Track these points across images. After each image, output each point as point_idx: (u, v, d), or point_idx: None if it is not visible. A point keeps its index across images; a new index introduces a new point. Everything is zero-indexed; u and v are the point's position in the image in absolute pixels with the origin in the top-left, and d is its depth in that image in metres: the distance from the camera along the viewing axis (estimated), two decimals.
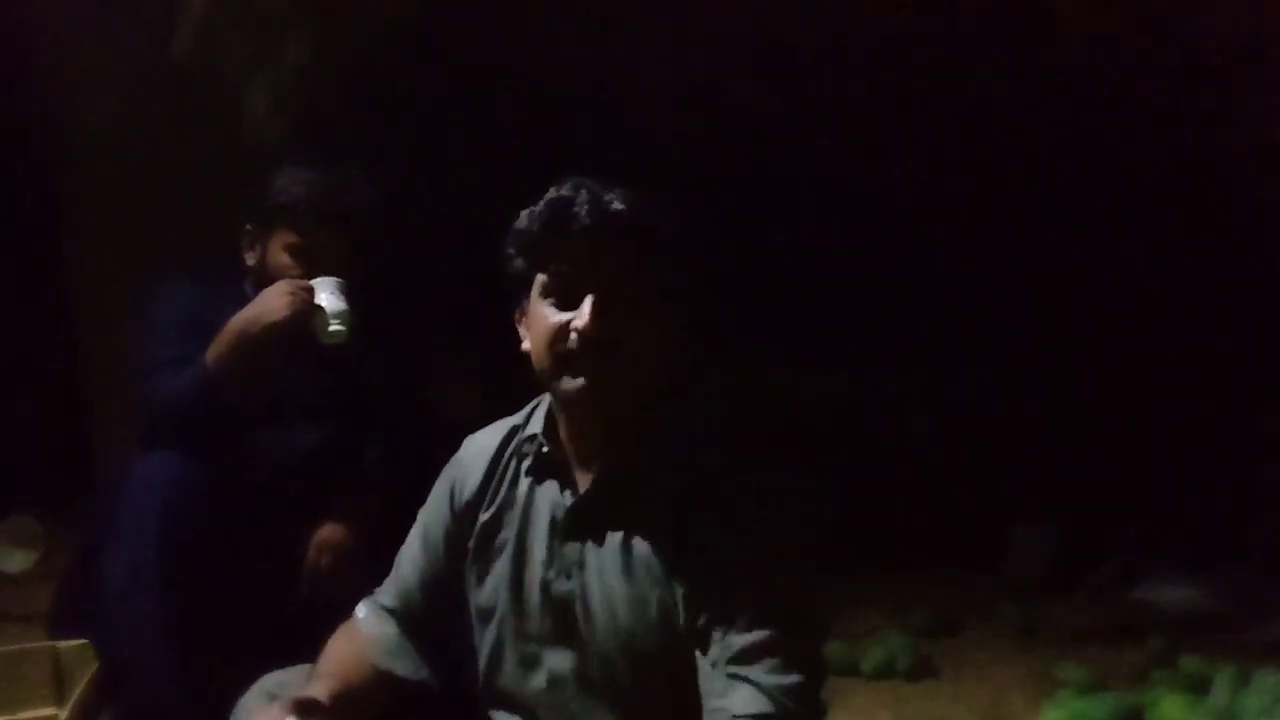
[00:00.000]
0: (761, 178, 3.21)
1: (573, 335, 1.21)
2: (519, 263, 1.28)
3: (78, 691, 1.77)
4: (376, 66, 2.66)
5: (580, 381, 1.22)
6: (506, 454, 1.37)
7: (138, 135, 2.63)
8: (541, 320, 1.24)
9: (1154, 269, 3.22)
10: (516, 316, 1.32)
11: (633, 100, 2.97)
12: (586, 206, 1.21)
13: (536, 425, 1.35)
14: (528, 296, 1.28)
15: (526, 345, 1.30)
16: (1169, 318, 3.23)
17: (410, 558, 1.43)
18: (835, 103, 3.07)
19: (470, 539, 1.36)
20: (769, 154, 3.19)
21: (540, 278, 1.25)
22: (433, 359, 2.53)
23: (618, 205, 1.22)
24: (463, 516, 1.37)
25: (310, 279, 1.89)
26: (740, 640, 1.15)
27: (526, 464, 1.34)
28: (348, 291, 1.88)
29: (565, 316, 1.22)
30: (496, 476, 1.37)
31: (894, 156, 3.17)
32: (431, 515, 1.42)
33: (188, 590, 1.78)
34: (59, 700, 1.77)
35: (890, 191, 3.25)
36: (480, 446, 1.40)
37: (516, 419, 1.41)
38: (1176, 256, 3.15)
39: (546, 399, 1.35)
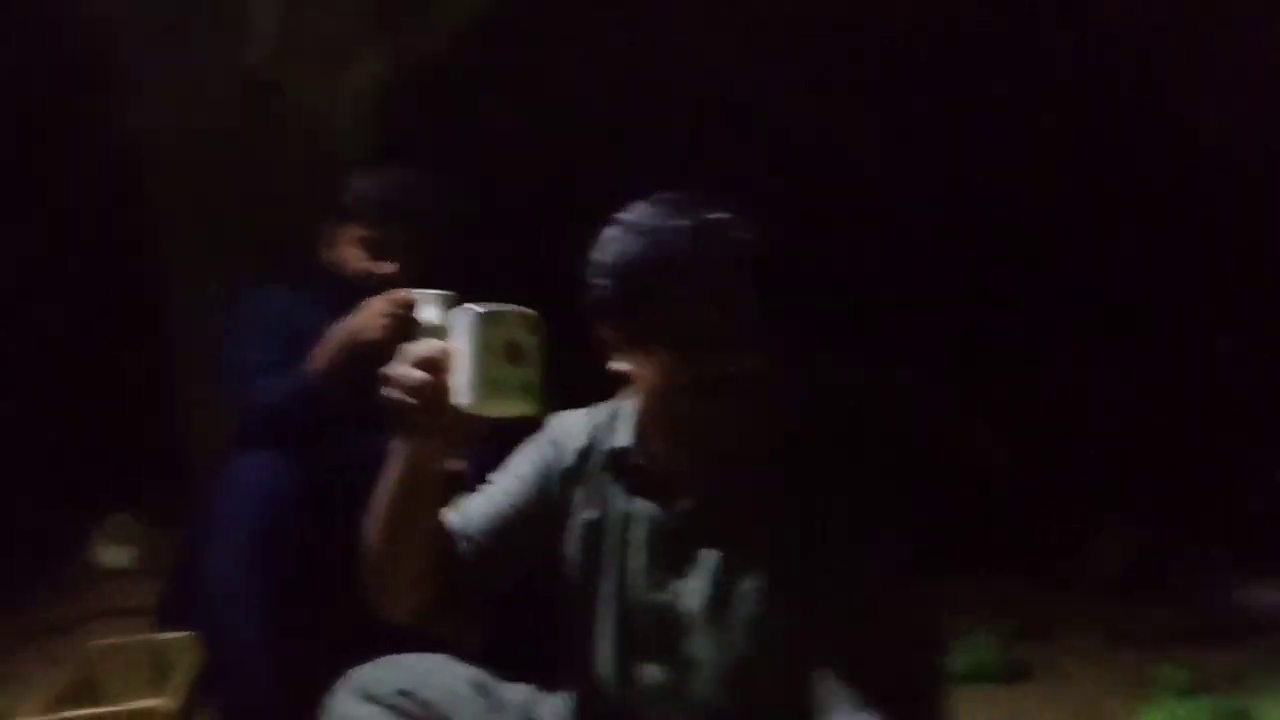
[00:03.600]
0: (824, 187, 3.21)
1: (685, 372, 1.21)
2: (617, 293, 1.23)
3: (182, 682, 1.82)
4: (447, 76, 2.71)
5: (693, 416, 1.23)
6: (594, 453, 1.37)
7: (223, 145, 2.71)
8: (650, 353, 1.23)
9: (1244, 271, 3.14)
10: (605, 336, 1.28)
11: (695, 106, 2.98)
12: (707, 243, 1.20)
13: (624, 437, 1.34)
14: (620, 324, 1.25)
15: (619, 366, 1.27)
16: (1262, 319, 3.15)
17: (493, 497, 1.38)
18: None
19: (565, 520, 1.35)
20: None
21: (651, 318, 1.22)
22: None
23: (721, 246, 1.20)
24: (561, 490, 1.36)
25: (381, 274, 1.96)
26: (853, 671, 1.15)
27: (617, 474, 1.34)
28: (449, 303, 1.92)
29: (676, 352, 1.21)
30: (589, 473, 1.36)
31: (982, 166, 3.14)
32: (528, 467, 1.38)
33: (284, 586, 1.84)
34: (163, 691, 1.82)
35: (970, 196, 3.23)
36: (570, 430, 1.39)
37: (598, 416, 1.40)
38: (1267, 258, 3.07)
39: (628, 406, 1.34)
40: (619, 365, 1.27)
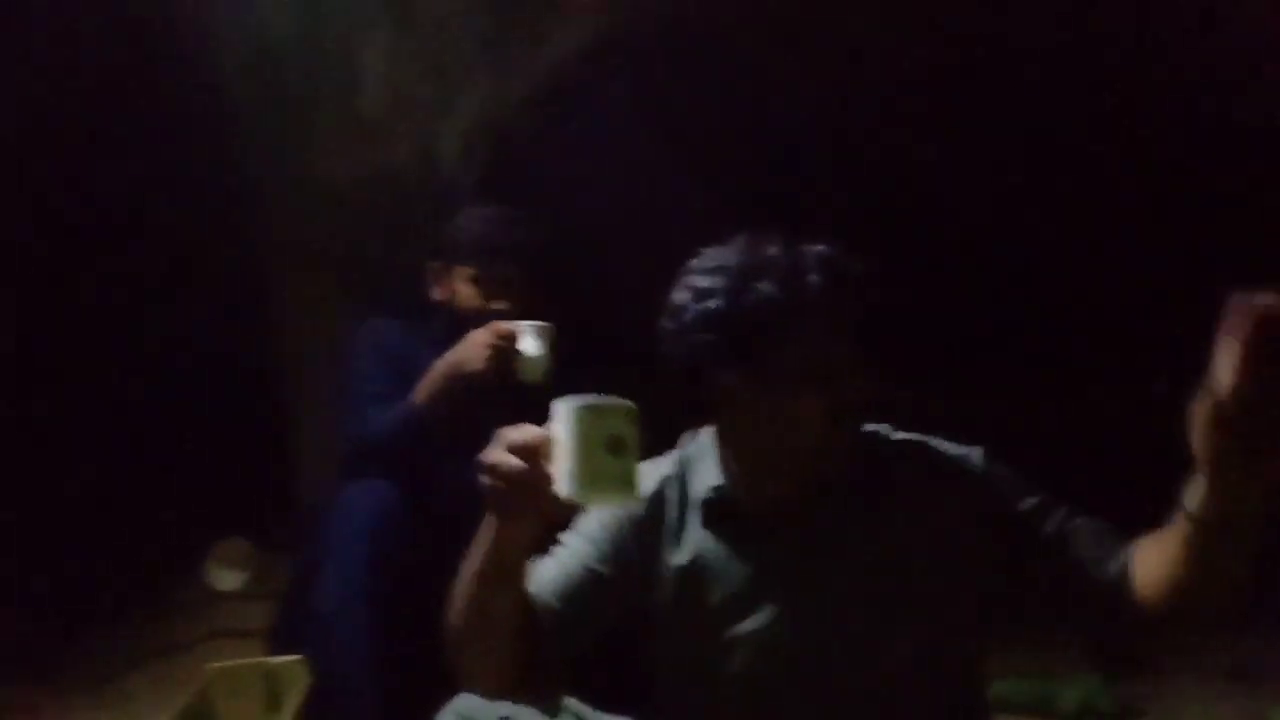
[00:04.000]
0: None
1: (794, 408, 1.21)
2: (725, 335, 1.23)
3: (293, 705, 1.88)
4: (552, 112, 2.77)
5: (796, 450, 1.23)
6: (671, 498, 1.36)
7: (338, 186, 2.82)
8: (752, 389, 1.23)
9: None
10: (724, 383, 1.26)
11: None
12: (819, 279, 1.20)
13: (712, 476, 1.34)
14: (724, 363, 1.24)
15: (703, 400, 1.27)
16: None
17: (565, 562, 1.36)
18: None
19: (649, 570, 1.35)
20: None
21: (765, 358, 1.22)
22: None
23: (820, 293, 1.20)
24: (638, 542, 1.35)
25: (493, 311, 2.00)
26: None
27: (707, 515, 1.33)
28: (546, 334, 1.97)
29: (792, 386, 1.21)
30: (670, 519, 1.36)
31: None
32: (596, 526, 1.37)
33: (390, 614, 1.89)
34: (276, 713, 1.88)
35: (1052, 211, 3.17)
36: (647, 481, 1.36)
37: (665, 464, 1.39)
38: None
39: (705, 447, 1.35)
40: (708, 401, 1.27)
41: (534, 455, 1.11)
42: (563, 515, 1.19)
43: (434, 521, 1.95)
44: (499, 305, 2.04)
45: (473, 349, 1.93)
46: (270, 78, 2.76)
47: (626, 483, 1.11)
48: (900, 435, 1.35)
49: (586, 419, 1.10)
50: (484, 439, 2.04)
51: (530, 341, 1.95)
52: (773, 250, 1.23)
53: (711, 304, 1.23)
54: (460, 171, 2.65)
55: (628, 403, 1.13)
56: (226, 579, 3.01)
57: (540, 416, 2.21)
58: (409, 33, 2.69)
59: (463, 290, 2.09)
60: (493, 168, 2.66)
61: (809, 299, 1.19)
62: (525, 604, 1.28)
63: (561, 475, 1.11)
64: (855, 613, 1.26)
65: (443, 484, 1.99)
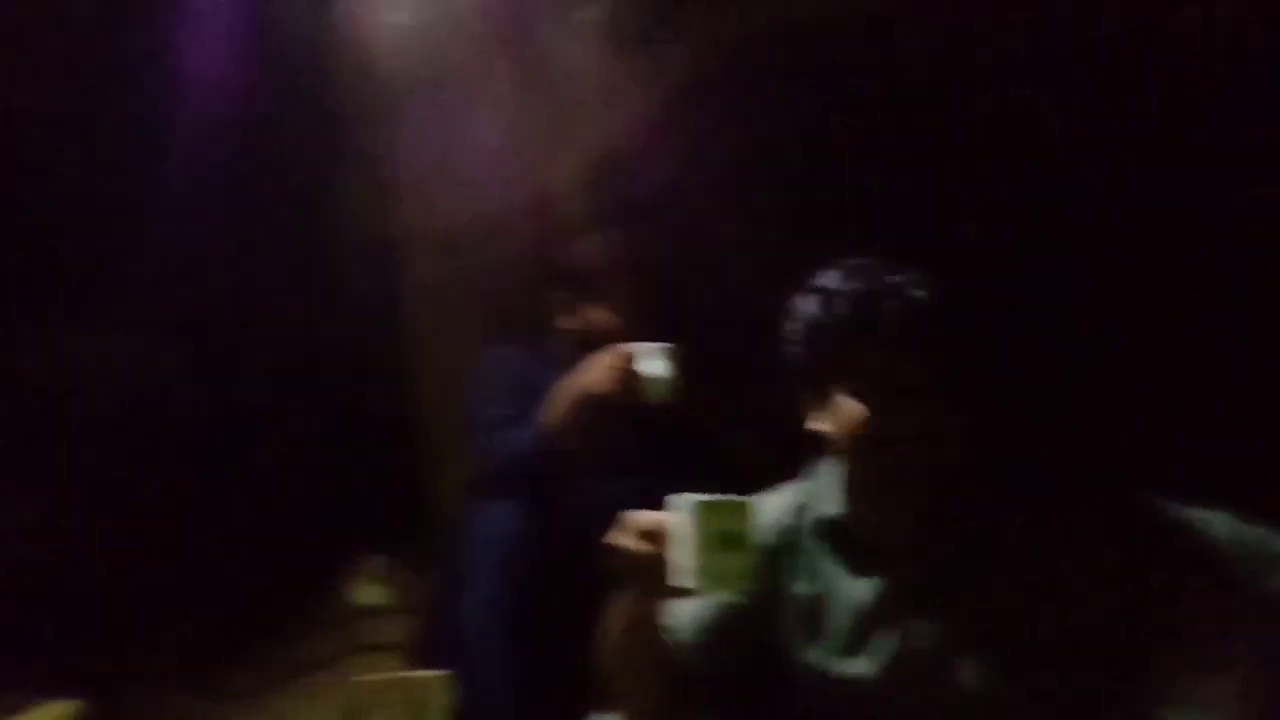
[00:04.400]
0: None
1: (879, 429, 1.23)
2: (811, 356, 1.30)
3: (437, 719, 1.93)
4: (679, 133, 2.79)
5: (894, 475, 1.24)
6: (797, 527, 1.38)
7: (467, 215, 2.92)
8: (846, 412, 1.26)
9: None
10: (802, 394, 1.32)
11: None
12: (892, 305, 1.24)
13: (831, 505, 1.35)
14: (816, 385, 1.30)
15: (815, 425, 1.31)
16: None
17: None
18: None
19: (777, 599, 1.37)
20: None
21: (843, 379, 1.26)
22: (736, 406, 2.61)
23: (918, 302, 1.25)
24: (772, 574, 1.37)
25: (617, 334, 2.04)
26: None
27: (830, 544, 1.35)
28: (669, 355, 2.00)
29: (869, 411, 1.24)
30: (797, 548, 1.37)
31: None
32: None
33: (527, 632, 1.94)
34: None
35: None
36: (765, 510, 1.40)
37: (790, 493, 1.41)
38: None
39: (830, 476, 1.36)
40: (819, 427, 1.31)
41: (655, 540, 1.20)
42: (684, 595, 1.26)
43: (565, 540, 2.00)
44: (623, 329, 2.08)
45: (597, 371, 1.97)
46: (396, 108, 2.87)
47: (741, 577, 1.18)
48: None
49: (701, 515, 1.17)
50: (611, 460, 2.11)
51: (654, 362, 1.99)
52: (858, 274, 1.28)
53: (799, 324, 1.31)
54: (583, 198, 2.70)
55: (744, 499, 1.19)
56: (369, 595, 3.13)
57: (662, 433, 2.24)
58: (529, 63, 2.77)
59: (589, 314, 2.13)
60: (615, 193, 2.70)
61: (877, 322, 1.24)
62: (662, 644, 1.35)
63: (679, 567, 1.19)
64: (960, 656, 1.24)
65: (572, 503, 2.04)
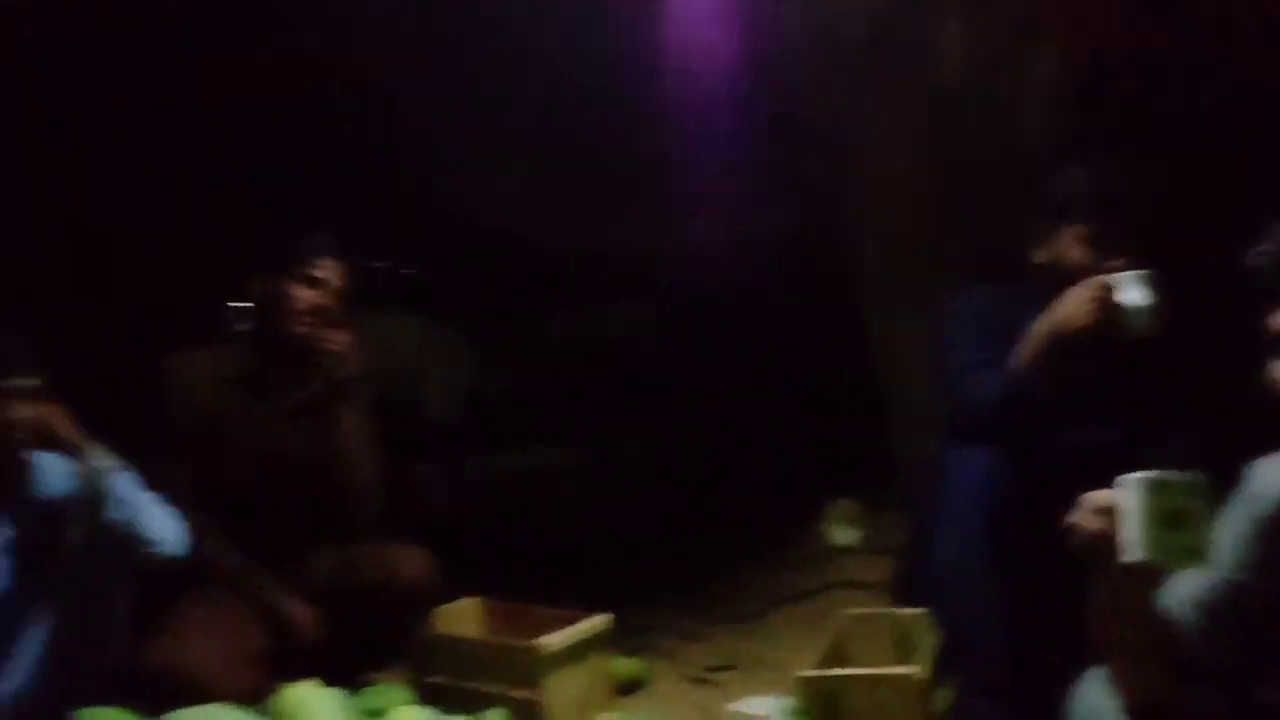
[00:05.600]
0: None
1: None
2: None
3: (925, 655, 2.03)
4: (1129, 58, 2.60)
5: None
6: None
7: (914, 157, 2.93)
8: None
9: None
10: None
11: None
12: None
13: None
14: None
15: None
16: None
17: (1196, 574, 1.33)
18: None
19: None
20: None
21: None
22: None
23: None
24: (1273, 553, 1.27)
25: (1106, 271, 1.95)
26: None
27: None
28: (1150, 282, 1.89)
29: None
30: None
31: None
32: (1237, 536, 1.30)
33: (1010, 573, 1.95)
34: (908, 661, 2.05)
35: None
36: (1267, 478, 1.27)
37: None
38: None
39: None
40: None
41: (1108, 518, 1.25)
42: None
43: (1041, 482, 1.97)
44: (1113, 263, 1.97)
45: (1075, 305, 1.90)
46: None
47: (1188, 554, 1.20)
48: None
49: (1148, 493, 1.20)
50: (1089, 402, 2.03)
51: (1134, 291, 1.88)
52: None
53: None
54: (1046, 132, 2.60)
55: (1195, 476, 1.20)
56: (842, 535, 3.31)
57: (1145, 370, 2.11)
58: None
59: (1072, 250, 2.05)
60: (1079, 124, 2.56)
61: None
62: (1158, 621, 1.33)
63: (1127, 541, 1.22)
64: None
65: (1051, 447, 2.01)
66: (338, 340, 2.28)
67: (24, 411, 1.95)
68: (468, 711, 2.07)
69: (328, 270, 2.32)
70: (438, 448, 3.81)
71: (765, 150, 3.37)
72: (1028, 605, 1.95)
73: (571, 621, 2.30)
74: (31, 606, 2.00)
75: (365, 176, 3.51)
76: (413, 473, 3.66)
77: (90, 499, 1.95)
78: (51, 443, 1.97)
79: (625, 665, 2.51)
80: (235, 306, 2.44)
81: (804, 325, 3.68)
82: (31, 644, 1.98)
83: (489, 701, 2.15)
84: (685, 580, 3.31)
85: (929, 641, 2.07)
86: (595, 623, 2.32)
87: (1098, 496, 1.28)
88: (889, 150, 2.98)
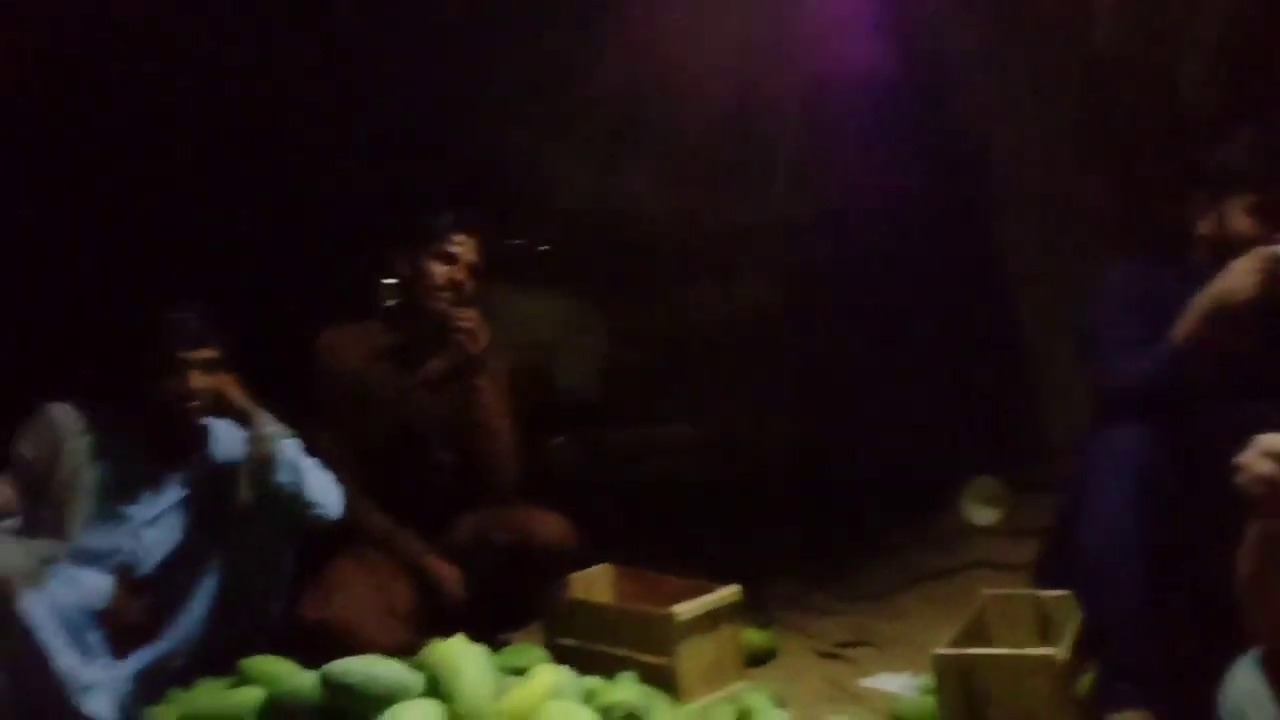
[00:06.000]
0: None
1: None
2: None
3: (1068, 637, 1.97)
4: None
5: None
6: None
7: (1061, 126, 2.83)
8: None
9: None
10: None
11: None
12: None
13: None
14: None
15: None
16: None
17: None
18: None
19: None
20: None
21: None
22: None
23: None
24: None
25: (1275, 242, 1.85)
26: None
27: None
28: None
29: None
30: None
31: None
32: None
33: (1159, 558, 1.89)
34: (1050, 642, 1.99)
35: None
36: None
37: None
38: None
39: None
40: None
41: (1277, 466, 1.21)
42: None
43: (1197, 460, 1.89)
44: (1269, 230, 1.87)
45: (1240, 276, 1.82)
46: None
47: None
48: None
49: None
50: (1252, 376, 1.94)
51: None
52: None
53: None
54: (1205, 100, 2.47)
55: None
56: (981, 515, 3.24)
57: None
58: None
59: (1238, 221, 1.96)
60: (1241, 89, 2.43)
61: None
62: None
63: None
64: None
65: (1208, 428, 1.92)
66: (466, 316, 2.38)
67: (201, 382, 2.14)
68: (599, 674, 2.13)
69: (462, 246, 2.44)
70: (575, 421, 3.89)
71: (910, 121, 3.31)
72: (1179, 586, 1.88)
73: (702, 591, 2.33)
74: (204, 561, 2.17)
75: (506, 159, 3.60)
76: (550, 444, 3.76)
77: (259, 463, 2.10)
78: (225, 410, 2.15)
79: (756, 637, 2.53)
80: (385, 283, 2.57)
81: (949, 299, 3.59)
82: (203, 596, 2.15)
83: (621, 665, 2.20)
84: (819, 556, 3.30)
85: (1072, 624, 2.01)
86: (727, 593, 2.34)
87: (1273, 439, 1.22)
88: (1036, 119, 2.89)
